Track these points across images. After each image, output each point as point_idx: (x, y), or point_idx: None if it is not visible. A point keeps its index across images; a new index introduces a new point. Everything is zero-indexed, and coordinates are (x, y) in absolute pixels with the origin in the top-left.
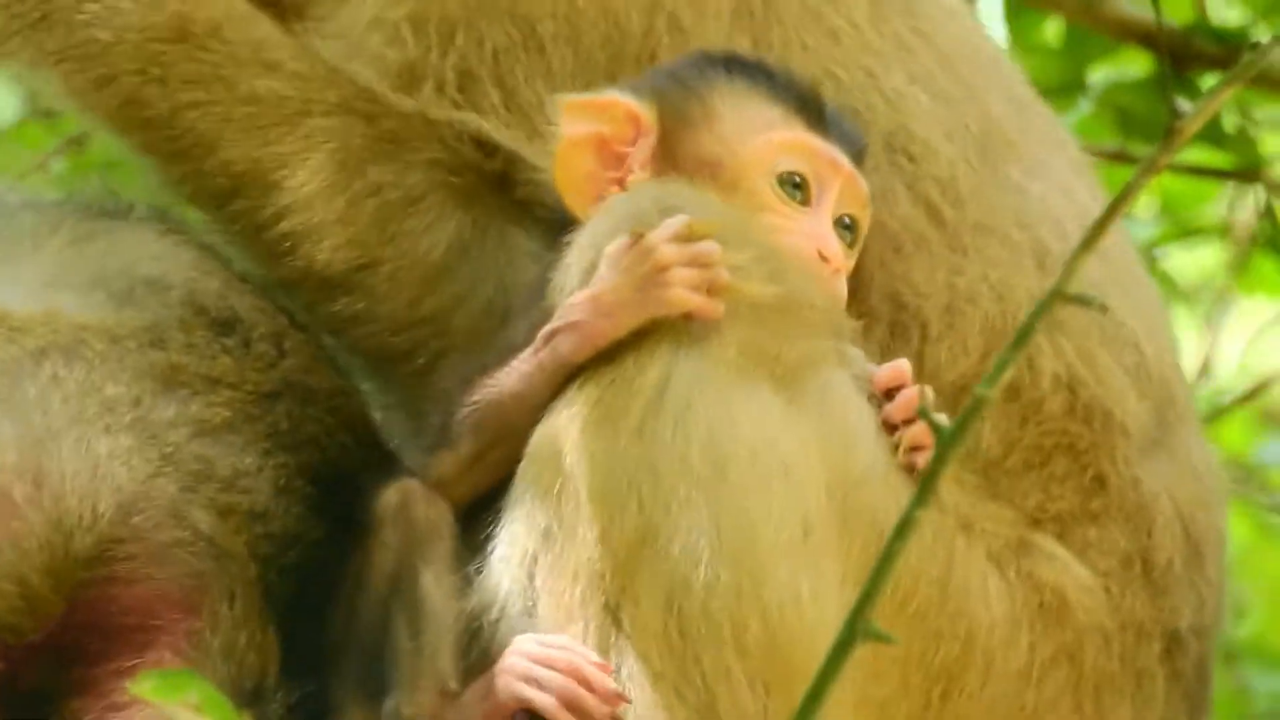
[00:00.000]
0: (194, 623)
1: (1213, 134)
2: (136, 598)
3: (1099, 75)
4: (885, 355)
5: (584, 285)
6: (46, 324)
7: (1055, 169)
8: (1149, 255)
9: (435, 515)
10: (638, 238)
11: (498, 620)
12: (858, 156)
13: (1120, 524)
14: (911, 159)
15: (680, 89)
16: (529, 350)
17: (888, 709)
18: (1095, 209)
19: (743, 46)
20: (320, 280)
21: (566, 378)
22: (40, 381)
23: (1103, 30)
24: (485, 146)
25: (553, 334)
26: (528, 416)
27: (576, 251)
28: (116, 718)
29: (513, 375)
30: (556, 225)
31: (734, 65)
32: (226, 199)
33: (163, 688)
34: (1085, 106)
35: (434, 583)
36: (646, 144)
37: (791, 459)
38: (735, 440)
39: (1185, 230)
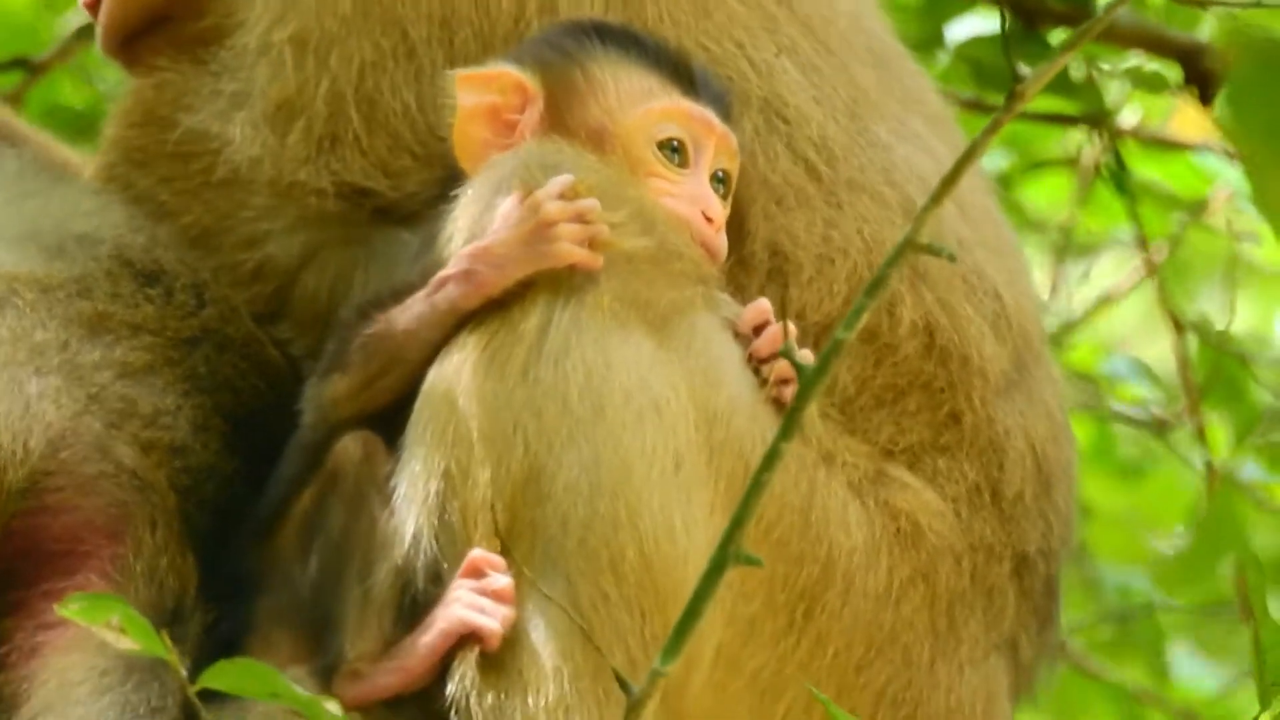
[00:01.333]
0: (119, 549)
1: (1062, 84)
2: (65, 526)
3: (956, 31)
4: (763, 294)
5: (472, 236)
6: None
7: (917, 127)
8: (1000, 187)
9: (391, 468)
10: (526, 194)
11: (416, 559)
12: (726, 112)
13: (971, 457)
14: (786, 121)
15: (562, 59)
16: (422, 292)
17: (755, 625)
18: (948, 163)
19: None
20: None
21: (456, 322)
22: None
23: None
24: (347, 194)
25: (444, 280)
26: (416, 353)
27: (464, 204)
28: (47, 636)
29: (407, 313)
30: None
31: (607, 34)
32: None
33: (88, 610)
34: (944, 59)
35: (385, 532)
36: (534, 111)
37: (662, 397)
38: (610, 382)
39: (1034, 163)
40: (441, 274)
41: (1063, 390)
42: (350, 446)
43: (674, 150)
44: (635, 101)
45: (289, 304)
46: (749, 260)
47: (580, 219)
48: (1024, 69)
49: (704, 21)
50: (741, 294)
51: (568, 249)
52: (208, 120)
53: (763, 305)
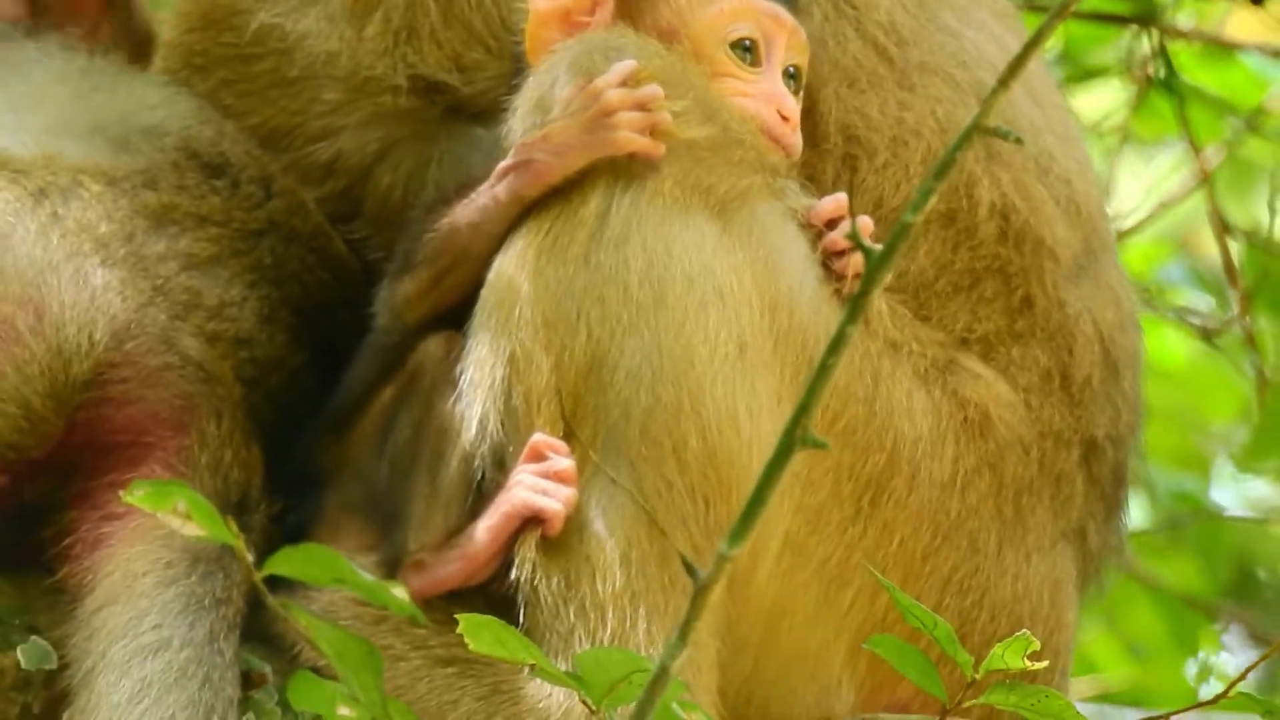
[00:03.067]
0: (184, 440)
1: None
2: (130, 417)
3: None
4: (836, 181)
5: (535, 123)
6: (46, 167)
7: (984, 18)
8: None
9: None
10: (587, 81)
11: (482, 444)
12: (794, 4)
13: (1043, 343)
14: (854, 6)
15: None
16: (485, 184)
17: (822, 514)
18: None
19: None
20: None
21: (520, 212)
22: (40, 219)
23: None
24: (423, 89)
25: (507, 170)
26: (483, 245)
27: (527, 92)
28: (111, 527)
29: (470, 207)
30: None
31: None
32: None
33: (153, 497)
34: None
35: (453, 420)
36: (605, 13)
37: (725, 283)
38: (671, 268)
39: (1086, 72)
40: (503, 164)
41: (1128, 281)
42: (433, 345)
43: (746, 49)
44: (705, 1)
45: (362, 201)
46: (822, 144)
47: (641, 106)
48: None
49: None
50: (815, 180)
51: (627, 136)
52: (279, 18)
53: (839, 199)
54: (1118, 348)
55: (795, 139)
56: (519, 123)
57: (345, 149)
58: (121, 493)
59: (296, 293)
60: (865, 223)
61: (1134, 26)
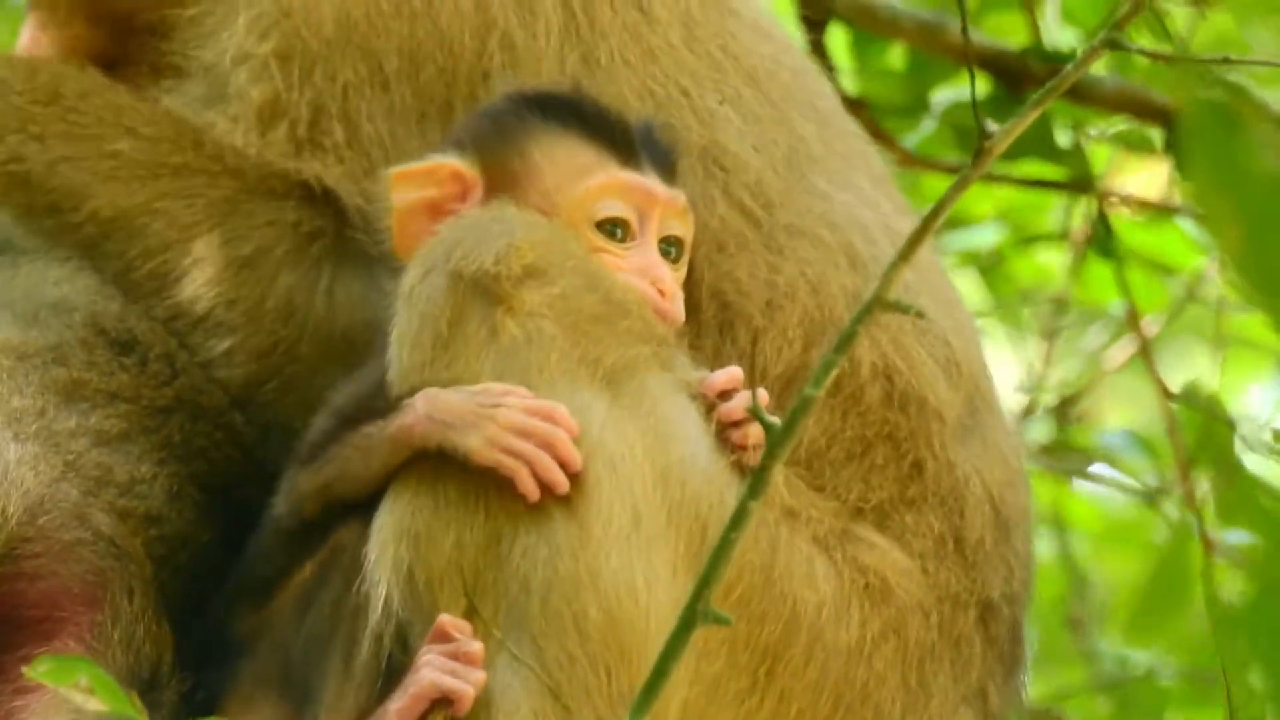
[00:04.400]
0: (96, 615)
1: (1048, 149)
2: (42, 592)
3: (941, 96)
4: (716, 352)
5: (421, 327)
6: None
7: (858, 181)
8: (993, 260)
9: None
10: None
11: (388, 624)
12: (670, 171)
13: (935, 508)
14: (724, 169)
15: (499, 140)
16: (381, 423)
17: (719, 685)
18: (897, 216)
19: (572, 61)
20: (190, 318)
21: (399, 459)
22: None
23: (944, 55)
24: (322, 196)
25: (398, 408)
26: (370, 473)
27: (414, 277)
28: (24, 699)
29: (364, 437)
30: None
31: (546, 106)
32: (97, 245)
33: (57, 671)
34: (928, 125)
35: (361, 602)
36: (475, 197)
37: (616, 454)
38: None
39: (1025, 237)
40: (399, 415)
41: (1017, 440)
42: (355, 527)
43: (614, 228)
44: (572, 181)
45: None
46: (696, 310)
47: (529, 435)
48: (994, 127)
49: (651, 65)
50: (696, 350)
51: (494, 453)
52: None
53: (733, 371)
54: (1008, 506)
55: (674, 309)
56: (405, 325)
57: (213, 251)
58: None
59: (203, 469)
60: (762, 395)
61: (1059, 192)
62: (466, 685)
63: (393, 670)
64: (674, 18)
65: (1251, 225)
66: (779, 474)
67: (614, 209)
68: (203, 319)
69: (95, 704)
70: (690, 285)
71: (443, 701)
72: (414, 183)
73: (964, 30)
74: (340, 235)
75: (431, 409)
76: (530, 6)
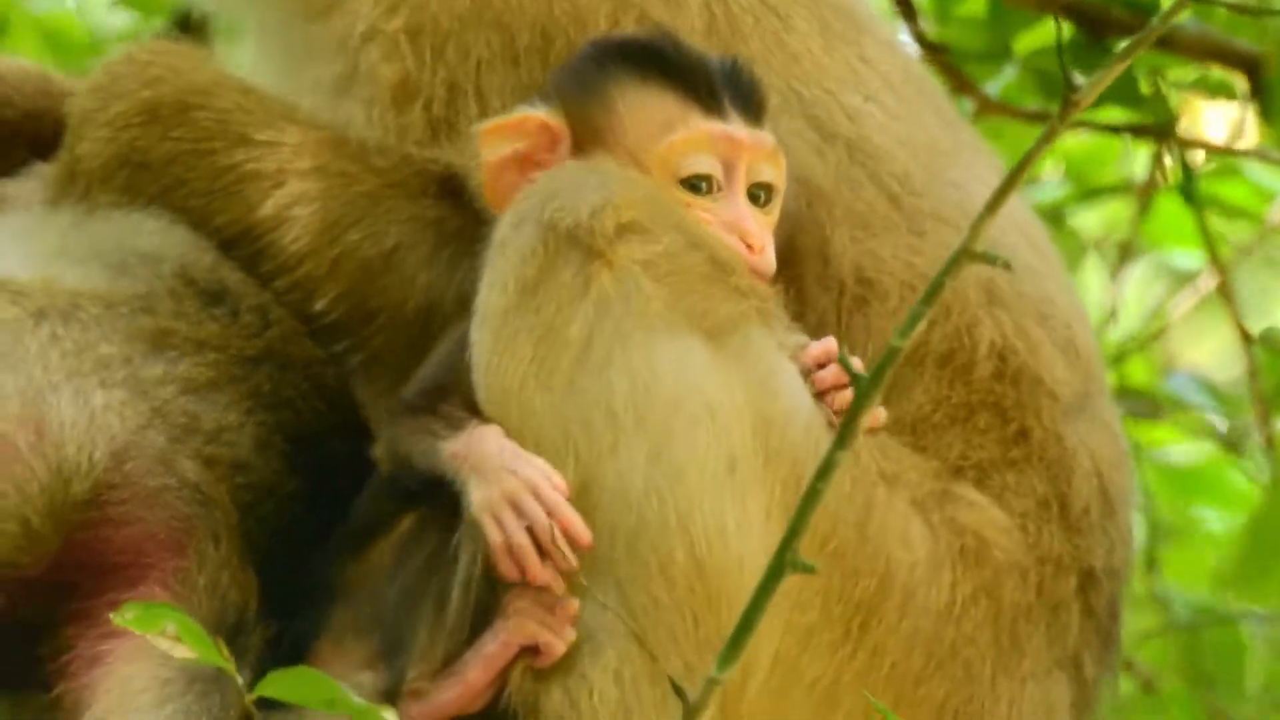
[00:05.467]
0: (181, 562)
1: (1130, 96)
2: (128, 538)
3: (1024, 42)
4: (849, 324)
5: (508, 273)
6: (45, 290)
7: (983, 174)
8: (1058, 214)
9: None
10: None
11: (480, 573)
12: (757, 111)
13: (1040, 471)
14: (870, 157)
15: (583, 92)
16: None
17: (812, 635)
18: (1016, 205)
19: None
20: (323, 326)
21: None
22: (40, 339)
23: (1024, 1)
24: (461, 189)
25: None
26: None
27: (507, 227)
28: (110, 645)
29: (420, 443)
30: None
31: (628, 55)
32: (236, 250)
33: (143, 619)
34: (1010, 72)
35: (469, 570)
36: (563, 148)
37: (716, 401)
38: (656, 388)
39: (1089, 190)
40: (461, 436)
41: (1121, 424)
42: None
43: (700, 181)
44: (654, 136)
45: (366, 314)
46: (832, 281)
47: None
48: (1081, 79)
49: (794, 67)
50: (826, 321)
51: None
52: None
53: (829, 342)
54: (1114, 484)
55: (764, 262)
56: (503, 262)
57: (347, 251)
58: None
59: (291, 420)
60: (856, 362)
61: (1139, 138)
62: (558, 639)
63: (483, 619)
64: (812, 29)
65: None
66: (872, 432)
67: (697, 165)
68: (340, 329)
69: (182, 650)
70: (828, 258)
71: (530, 649)
72: (503, 136)
73: None
74: (476, 230)
75: (470, 448)
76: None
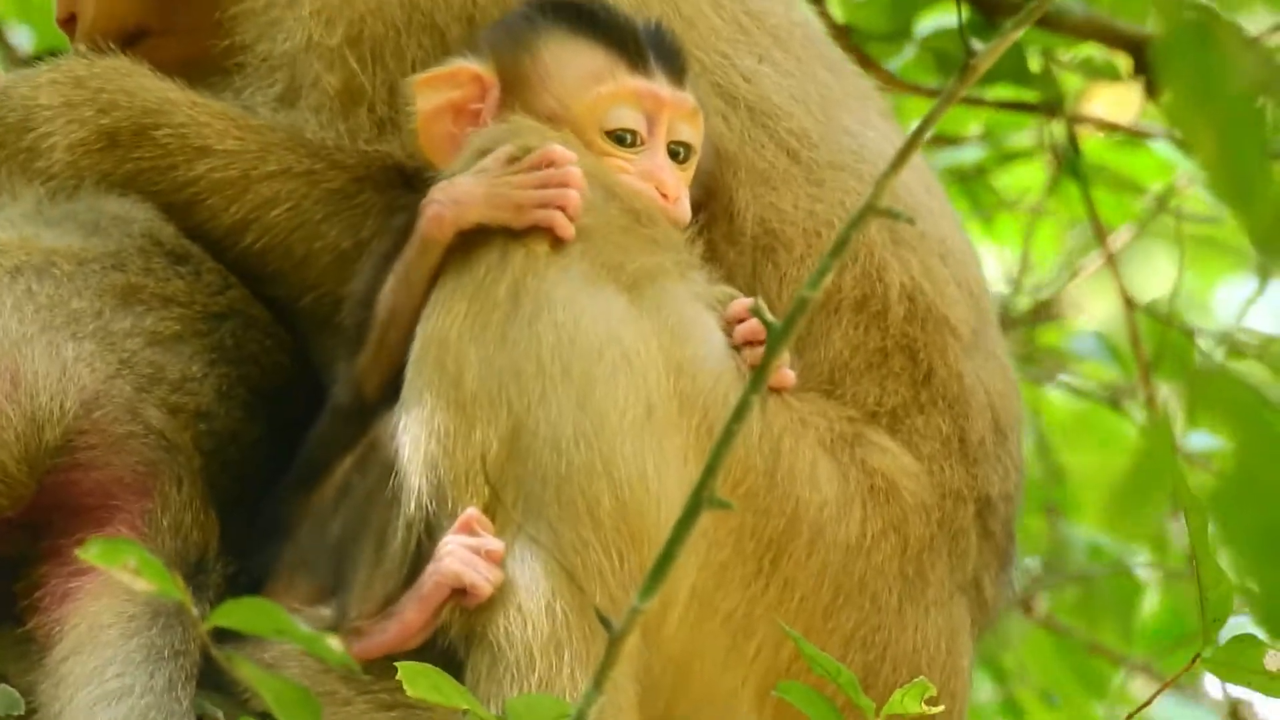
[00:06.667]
0: (147, 504)
1: (1020, 73)
2: (97, 481)
3: (922, 24)
4: (758, 275)
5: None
6: (21, 248)
7: (872, 118)
8: (978, 173)
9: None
10: (504, 150)
11: (417, 515)
12: (679, 73)
13: (943, 411)
14: (769, 117)
15: (512, 43)
16: (408, 245)
17: (726, 570)
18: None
19: None
20: (293, 315)
21: (434, 260)
22: (15, 294)
23: None
24: (414, 175)
25: (416, 220)
26: (410, 299)
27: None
28: (79, 582)
29: (396, 264)
30: None
31: (558, 10)
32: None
33: (106, 553)
34: (910, 51)
35: (399, 503)
36: (493, 98)
37: (633, 349)
38: (580, 339)
39: (1005, 154)
40: (423, 219)
41: (1008, 352)
42: (390, 422)
43: (624, 134)
44: (583, 86)
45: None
46: (739, 237)
47: (550, 182)
48: (980, 46)
49: (690, 32)
50: (737, 274)
51: (531, 211)
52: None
53: (747, 301)
54: (1006, 413)
55: (678, 210)
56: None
57: (325, 245)
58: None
59: (254, 373)
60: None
61: (1028, 115)
62: (485, 580)
63: (421, 559)
64: None
65: (1225, 137)
66: (778, 392)
67: (623, 118)
68: (307, 315)
69: (143, 584)
70: (734, 215)
71: (462, 591)
72: (436, 87)
73: None
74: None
75: (453, 196)
76: None
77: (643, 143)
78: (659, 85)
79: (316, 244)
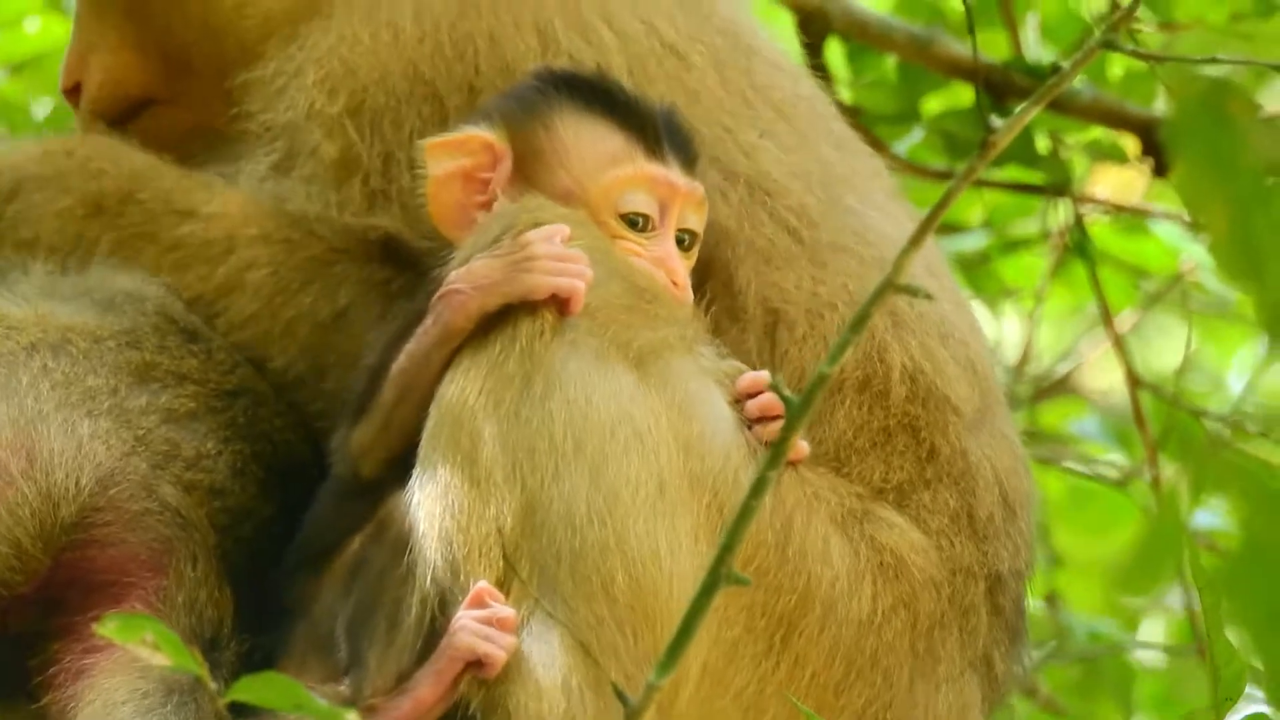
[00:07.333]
0: (162, 581)
1: (1028, 156)
2: (112, 558)
3: (931, 105)
4: (760, 351)
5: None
6: (38, 324)
7: (879, 199)
8: (981, 260)
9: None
10: (517, 232)
11: (431, 591)
12: (691, 161)
13: (950, 487)
14: (769, 194)
15: (527, 115)
16: (424, 327)
17: (737, 647)
18: (911, 224)
19: None
20: (288, 386)
21: (452, 344)
22: (32, 371)
23: (934, 67)
24: (403, 251)
25: (435, 303)
26: (423, 379)
27: (460, 249)
28: (93, 658)
29: (409, 344)
30: None
31: (575, 87)
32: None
33: (124, 628)
34: (918, 133)
35: (413, 580)
36: (504, 169)
37: (644, 427)
38: (592, 416)
39: (1009, 241)
40: (434, 297)
41: (1018, 431)
42: (402, 500)
43: (638, 218)
44: (600, 168)
45: (318, 370)
46: (743, 315)
47: (564, 259)
48: (998, 122)
49: (695, 107)
50: (739, 353)
51: (548, 279)
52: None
53: (760, 374)
54: (1014, 490)
55: (685, 297)
56: (450, 267)
57: (302, 313)
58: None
59: (266, 450)
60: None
61: (1037, 196)
62: (499, 649)
63: (435, 636)
64: (707, 62)
65: (1237, 214)
66: (794, 465)
67: (639, 203)
68: (295, 384)
69: (160, 659)
70: (736, 292)
71: (476, 664)
72: (447, 153)
73: (973, 43)
74: (417, 289)
75: (475, 283)
76: (596, 44)
77: (654, 228)
78: (674, 173)
79: (295, 310)
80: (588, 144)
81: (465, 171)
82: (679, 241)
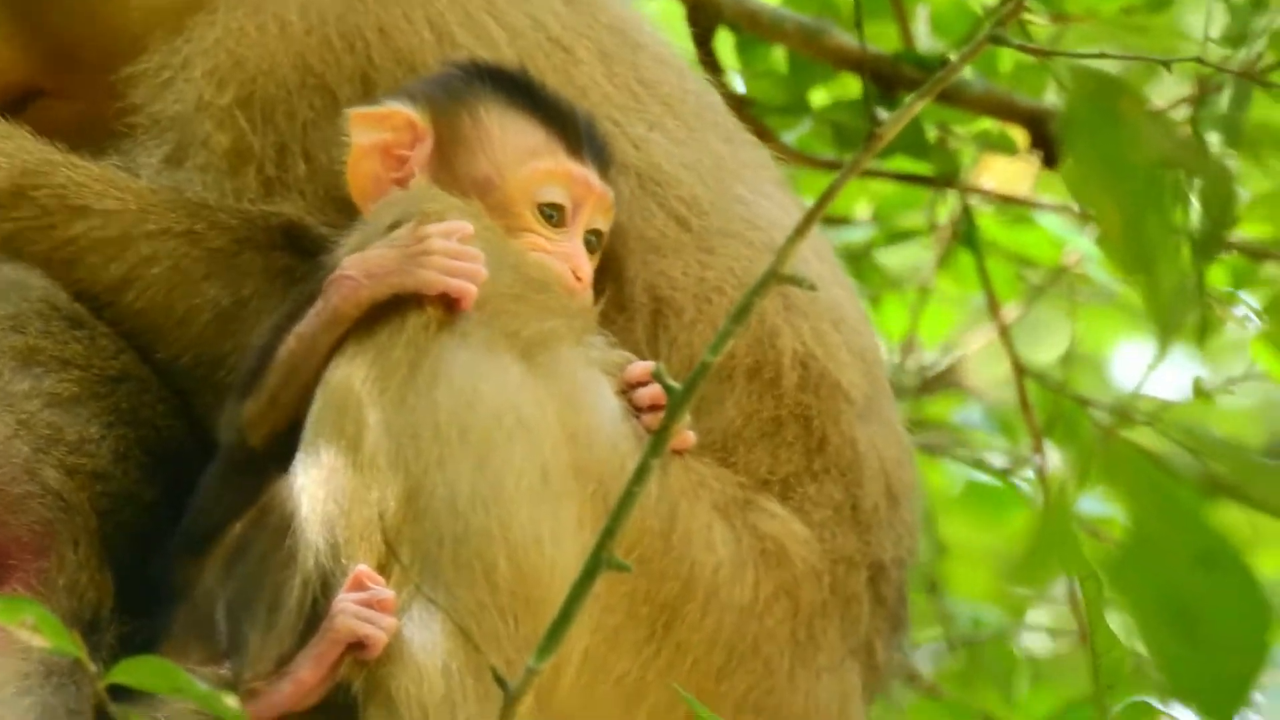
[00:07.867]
0: (43, 563)
1: (917, 147)
2: None
3: (820, 97)
4: (649, 340)
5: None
6: None
7: (766, 186)
8: (866, 253)
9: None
10: (416, 223)
11: (312, 575)
12: (606, 166)
13: (836, 479)
14: (660, 185)
15: (452, 99)
16: (315, 309)
17: (619, 634)
18: (799, 212)
19: None
20: (175, 374)
21: (341, 329)
22: None
23: (823, 58)
24: (298, 237)
25: (326, 286)
26: (311, 360)
27: (353, 234)
28: None
29: (300, 325)
30: None
31: (499, 79)
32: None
33: (4, 611)
34: (807, 124)
35: (294, 564)
36: (424, 149)
37: (529, 416)
38: (478, 405)
39: (895, 233)
40: (336, 287)
41: (902, 420)
42: (285, 484)
43: (553, 212)
44: (521, 159)
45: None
46: (630, 304)
47: (460, 256)
48: (885, 115)
49: (583, 100)
50: (628, 341)
51: (439, 276)
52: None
53: (648, 364)
54: (899, 481)
55: (586, 295)
56: (342, 253)
57: (204, 303)
58: None
59: (150, 436)
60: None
61: (925, 187)
62: (379, 631)
63: (316, 619)
64: (593, 56)
65: (1128, 208)
66: (679, 454)
67: (556, 195)
68: (186, 374)
69: (40, 641)
70: (623, 283)
71: (358, 646)
72: (370, 124)
73: (860, 34)
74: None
75: (367, 270)
76: (487, 40)
77: (565, 224)
78: (590, 174)
79: (196, 300)
80: (512, 135)
81: (385, 145)
82: (586, 242)
